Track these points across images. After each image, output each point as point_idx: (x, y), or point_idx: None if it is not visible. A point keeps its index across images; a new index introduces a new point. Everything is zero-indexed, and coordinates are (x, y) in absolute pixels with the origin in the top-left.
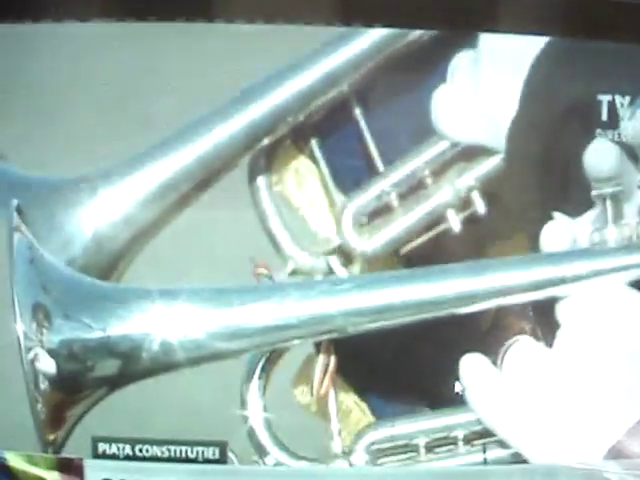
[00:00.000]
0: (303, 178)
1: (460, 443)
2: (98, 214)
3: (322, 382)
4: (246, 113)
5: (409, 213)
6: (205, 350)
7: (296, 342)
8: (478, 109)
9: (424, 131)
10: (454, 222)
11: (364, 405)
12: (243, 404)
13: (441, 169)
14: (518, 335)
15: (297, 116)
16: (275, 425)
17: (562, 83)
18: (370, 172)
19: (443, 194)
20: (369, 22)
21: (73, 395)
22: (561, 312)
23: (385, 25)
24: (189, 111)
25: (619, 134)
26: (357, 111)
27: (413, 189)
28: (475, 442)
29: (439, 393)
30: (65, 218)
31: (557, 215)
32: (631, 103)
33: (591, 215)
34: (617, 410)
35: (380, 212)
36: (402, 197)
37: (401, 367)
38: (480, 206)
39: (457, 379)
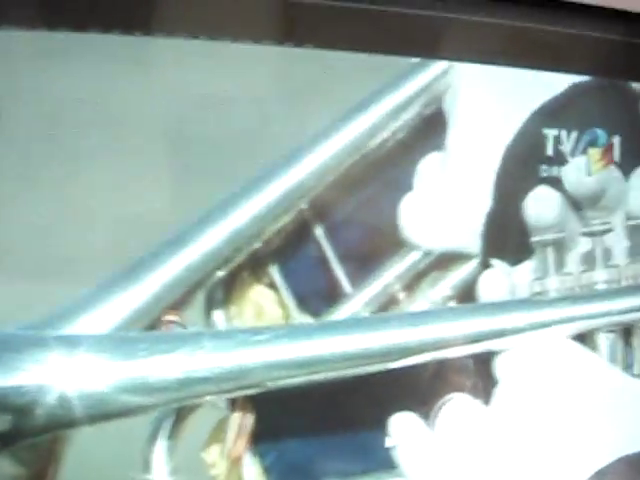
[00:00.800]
0: (263, 309)
1: None
2: None
3: (236, 443)
4: (200, 243)
5: None
6: (107, 405)
7: (209, 398)
8: (449, 213)
9: (393, 244)
10: None
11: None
12: (146, 467)
13: (413, 282)
14: (457, 391)
15: (253, 242)
16: None
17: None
18: (337, 295)
19: (417, 308)
20: (312, 43)
21: None
22: (499, 367)
23: (327, 47)
24: (120, 143)
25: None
26: (318, 231)
27: (385, 307)
28: None
29: (370, 455)
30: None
31: (495, 262)
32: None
33: (531, 263)
34: (560, 471)
35: None
36: None
37: (328, 426)
38: None
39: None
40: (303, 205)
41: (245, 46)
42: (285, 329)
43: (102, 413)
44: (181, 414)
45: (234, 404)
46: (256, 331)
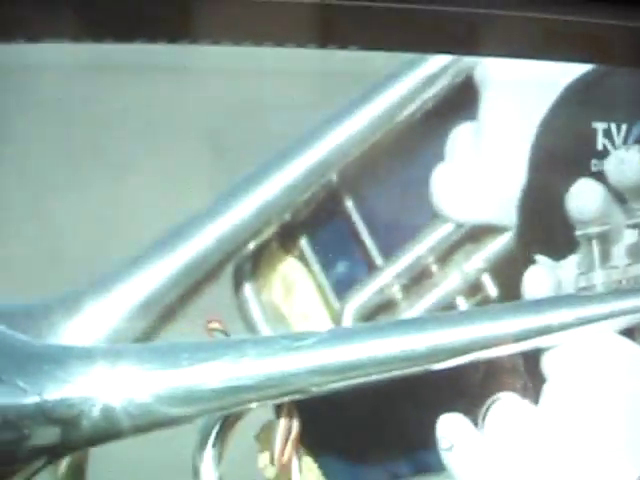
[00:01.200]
0: (292, 283)
1: None
2: (81, 333)
3: (284, 449)
4: (229, 215)
5: (415, 306)
6: (152, 416)
7: (254, 405)
8: (482, 184)
9: (425, 215)
10: None
11: None
12: (196, 475)
13: (446, 254)
14: (505, 391)
15: (283, 214)
16: None
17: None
18: (368, 267)
19: (451, 281)
20: (355, 45)
21: (6, 467)
22: (547, 365)
23: (363, 48)
24: (164, 150)
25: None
26: (348, 202)
27: (417, 279)
28: None
29: (418, 457)
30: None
31: (540, 258)
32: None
33: (576, 257)
34: (612, 471)
35: (383, 309)
36: (406, 289)
37: (375, 428)
38: (492, 289)
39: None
40: (333, 176)
41: (285, 53)
42: (328, 333)
43: (147, 423)
44: (227, 421)
45: (280, 410)
46: (299, 337)
